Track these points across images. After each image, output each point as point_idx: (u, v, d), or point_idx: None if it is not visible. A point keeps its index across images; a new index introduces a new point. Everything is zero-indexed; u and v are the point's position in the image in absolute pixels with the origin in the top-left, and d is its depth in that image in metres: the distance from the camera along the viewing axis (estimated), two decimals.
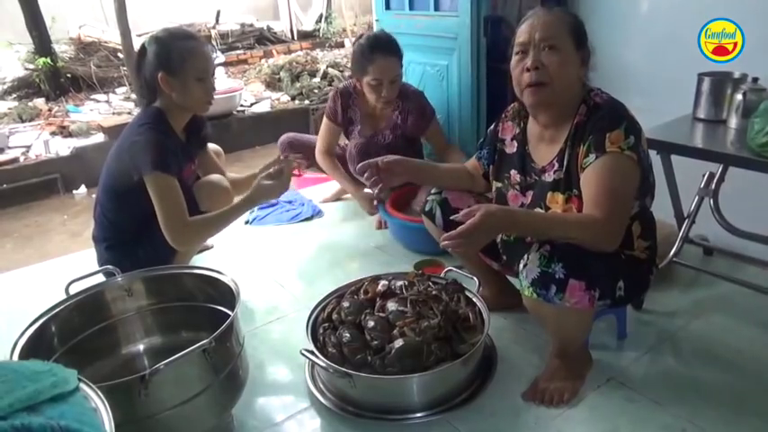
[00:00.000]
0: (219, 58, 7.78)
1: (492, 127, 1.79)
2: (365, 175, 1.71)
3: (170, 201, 1.81)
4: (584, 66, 1.52)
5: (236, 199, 2.03)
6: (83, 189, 4.41)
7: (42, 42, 6.21)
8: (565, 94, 1.49)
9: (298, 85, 6.50)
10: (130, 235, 1.96)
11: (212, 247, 2.59)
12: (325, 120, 2.72)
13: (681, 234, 2.09)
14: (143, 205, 1.83)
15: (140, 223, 1.91)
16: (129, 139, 1.88)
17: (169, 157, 1.83)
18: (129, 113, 5.57)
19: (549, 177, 1.56)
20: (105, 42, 7.21)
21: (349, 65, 2.71)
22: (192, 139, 2.09)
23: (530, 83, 1.47)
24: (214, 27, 8.44)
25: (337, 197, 3.09)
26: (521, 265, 1.45)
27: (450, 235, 1.34)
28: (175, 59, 1.86)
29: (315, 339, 1.62)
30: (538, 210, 1.51)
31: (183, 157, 1.98)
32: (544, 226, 1.40)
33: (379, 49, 2.42)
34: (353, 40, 2.94)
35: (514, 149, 1.69)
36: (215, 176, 2.17)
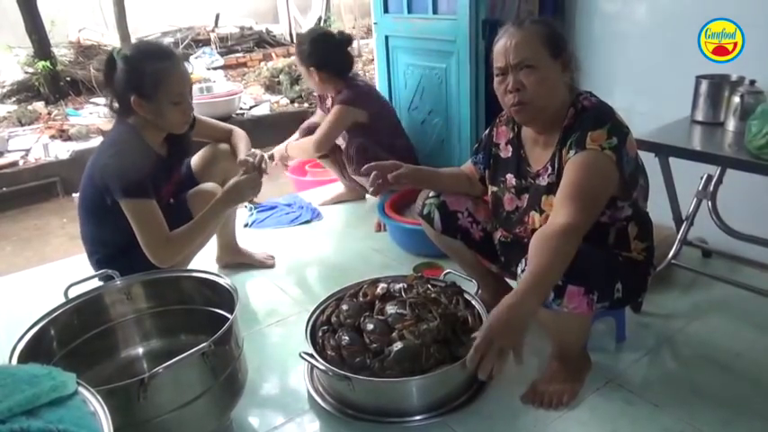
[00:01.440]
0: (218, 61, 7.80)
1: (487, 132, 1.80)
2: (371, 177, 1.71)
3: (147, 223, 1.76)
4: (566, 71, 1.52)
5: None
6: None
7: (42, 46, 6.21)
8: (550, 105, 1.51)
9: (297, 88, 6.50)
10: (118, 250, 1.90)
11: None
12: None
13: (679, 236, 2.09)
14: (123, 224, 1.77)
15: (124, 239, 1.82)
16: (101, 161, 1.80)
17: (142, 179, 1.76)
18: None
19: (543, 181, 1.57)
20: (105, 46, 7.22)
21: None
22: (173, 150, 2.00)
23: (513, 103, 1.50)
24: (213, 30, 8.46)
25: (336, 200, 3.10)
26: (518, 270, 1.45)
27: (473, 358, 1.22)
28: (148, 84, 1.75)
29: (314, 342, 1.62)
30: (529, 270, 1.33)
31: (163, 172, 1.92)
32: (550, 272, 1.30)
33: None
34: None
35: (509, 153, 1.69)
36: (209, 185, 2.09)
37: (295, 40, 2.59)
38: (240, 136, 2.21)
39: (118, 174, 1.74)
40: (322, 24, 9.11)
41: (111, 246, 1.92)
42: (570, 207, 1.36)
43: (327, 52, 2.68)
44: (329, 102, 2.84)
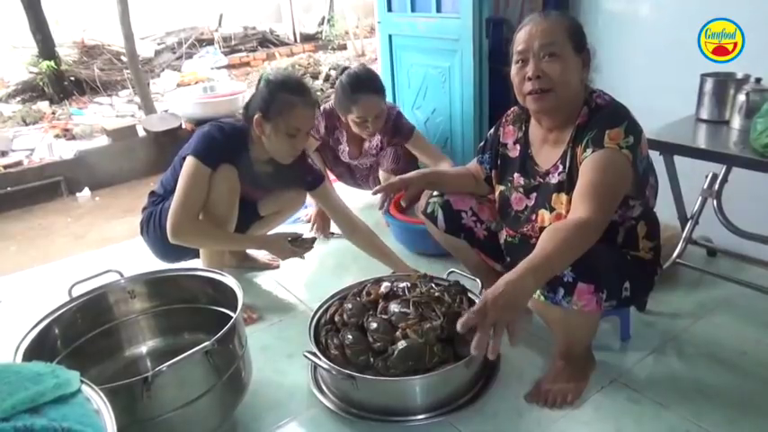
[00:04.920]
0: (222, 60, 7.81)
1: (492, 131, 1.79)
2: (379, 199, 1.76)
3: (190, 192, 1.84)
4: (585, 68, 1.51)
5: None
6: (86, 192, 4.41)
7: (46, 46, 6.23)
8: (568, 99, 1.49)
9: None
10: (164, 198, 2.02)
11: None
12: None
13: (684, 235, 2.08)
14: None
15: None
16: (206, 126, 1.94)
17: (217, 152, 1.86)
18: (133, 116, 5.59)
19: (553, 179, 1.56)
20: (108, 46, 7.24)
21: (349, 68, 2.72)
22: (272, 174, 2.04)
23: (531, 91, 1.47)
24: (217, 30, 8.48)
25: None
26: None
27: (466, 322, 1.13)
28: (274, 109, 1.86)
29: (317, 341, 1.62)
30: (533, 254, 1.29)
31: (245, 180, 1.96)
32: (555, 259, 1.27)
33: (362, 89, 2.37)
34: (336, 73, 2.96)
35: (517, 153, 1.69)
36: (292, 194, 2.24)
37: (364, 87, 2.40)
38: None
39: (203, 137, 1.88)
40: (325, 24, 9.12)
41: (165, 191, 2.03)
42: (588, 205, 1.35)
43: None
44: (345, 140, 2.68)
